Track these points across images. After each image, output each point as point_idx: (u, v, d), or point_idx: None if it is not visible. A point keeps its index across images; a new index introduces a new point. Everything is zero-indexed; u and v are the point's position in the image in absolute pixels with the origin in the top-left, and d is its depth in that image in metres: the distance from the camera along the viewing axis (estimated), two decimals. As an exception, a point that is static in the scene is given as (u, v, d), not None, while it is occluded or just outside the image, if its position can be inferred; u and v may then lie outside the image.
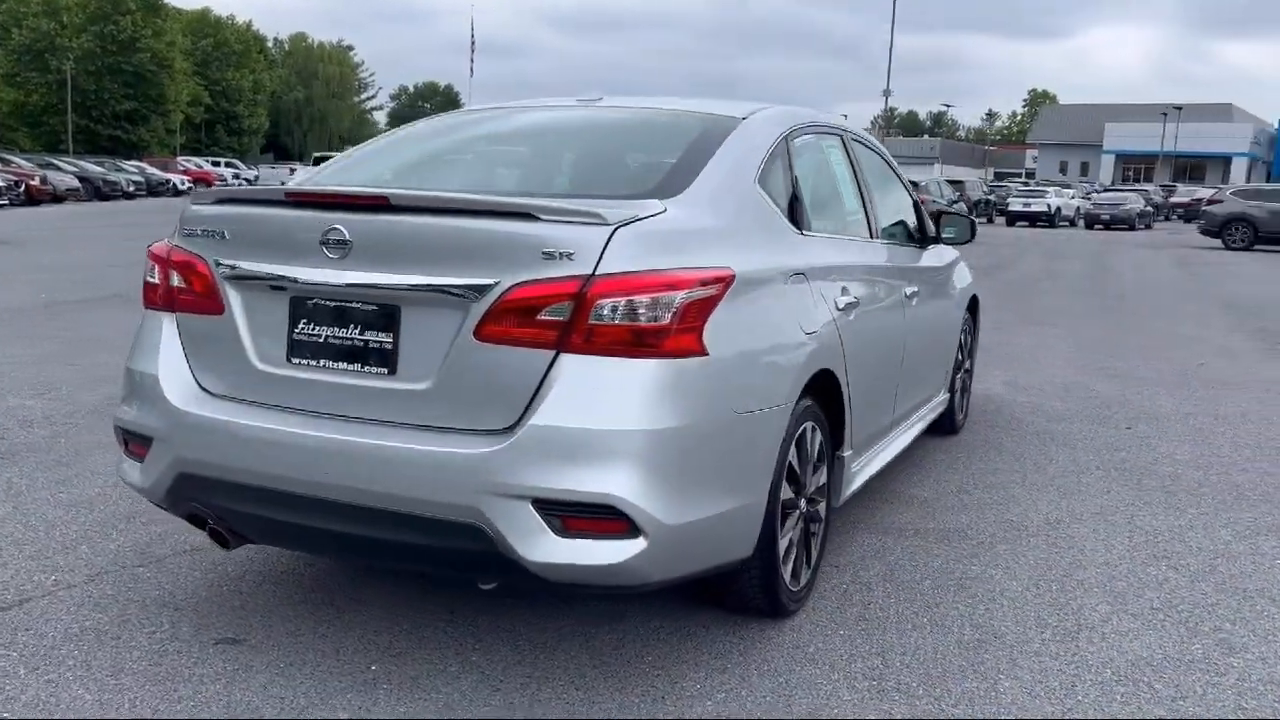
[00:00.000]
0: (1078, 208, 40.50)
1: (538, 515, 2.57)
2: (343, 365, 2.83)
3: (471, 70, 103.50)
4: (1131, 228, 36.85)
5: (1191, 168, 71.80)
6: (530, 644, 3.13)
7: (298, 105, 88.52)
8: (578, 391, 2.61)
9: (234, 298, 2.96)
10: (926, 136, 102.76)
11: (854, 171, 4.25)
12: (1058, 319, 11.44)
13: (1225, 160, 71.24)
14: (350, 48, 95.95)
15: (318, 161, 31.47)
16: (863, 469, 3.96)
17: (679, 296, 2.64)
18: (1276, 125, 76.77)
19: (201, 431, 2.91)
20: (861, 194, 4.25)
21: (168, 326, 3.10)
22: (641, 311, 2.61)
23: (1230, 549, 4.13)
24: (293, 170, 33.14)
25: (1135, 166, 73.98)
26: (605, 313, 2.60)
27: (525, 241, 2.65)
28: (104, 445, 5.10)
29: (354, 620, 3.25)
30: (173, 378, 3.02)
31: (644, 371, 2.62)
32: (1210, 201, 28.29)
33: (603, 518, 2.58)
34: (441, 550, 2.71)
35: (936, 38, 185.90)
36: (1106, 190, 45.40)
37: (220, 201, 3.10)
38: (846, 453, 3.66)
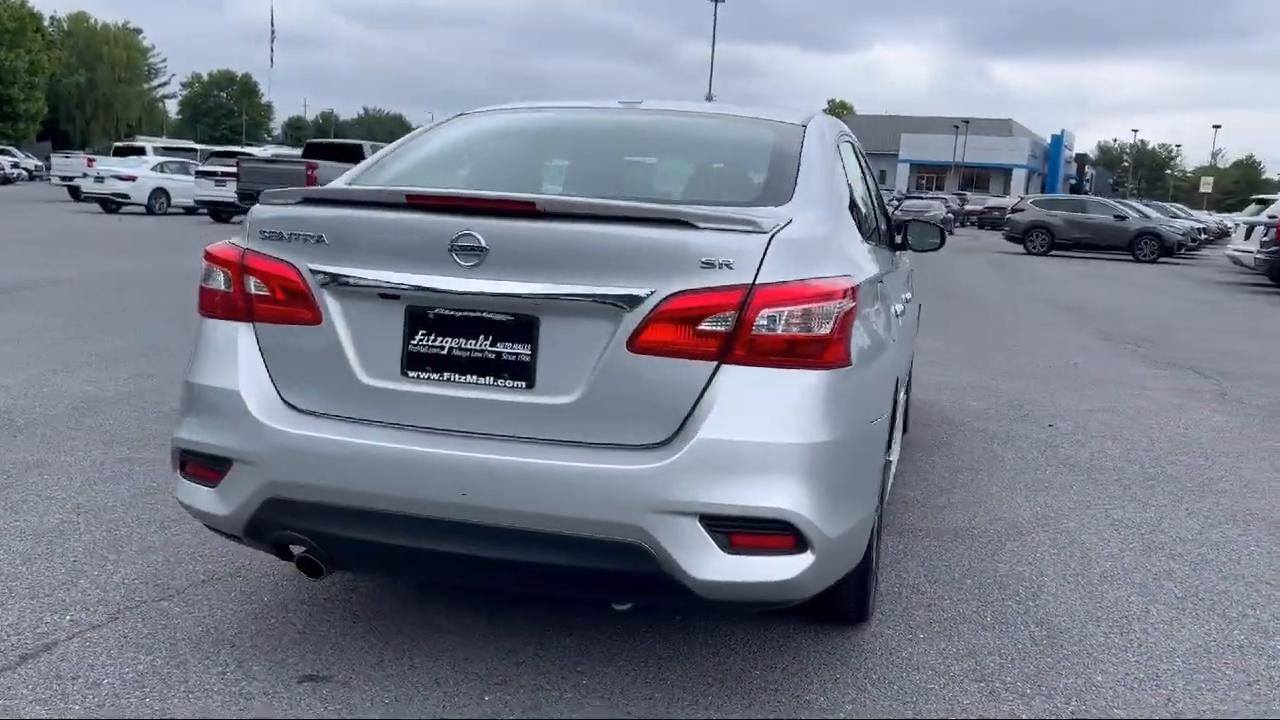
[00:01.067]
0: None
1: (705, 532, 2.49)
2: (471, 379, 2.65)
3: (271, 60, 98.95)
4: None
5: (977, 177, 76.79)
6: (631, 662, 3.03)
7: (80, 90, 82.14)
8: (743, 404, 2.54)
9: (334, 307, 2.73)
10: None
11: (865, 176, 4.32)
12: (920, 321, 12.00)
13: (1007, 171, 76.71)
14: (139, 31, 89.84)
15: (120, 152, 28.16)
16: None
17: (834, 307, 2.61)
18: (1050, 140, 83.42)
19: (299, 451, 2.67)
20: (873, 199, 4.33)
21: (244, 337, 2.82)
22: (804, 322, 2.56)
23: (1207, 537, 4.44)
24: (91, 160, 30.17)
25: (928, 175, 78.28)
26: (768, 323, 2.54)
27: (683, 250, 2.56)
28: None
29: (435, 648, 3.06)
30: (255, 393, 2.76)
31: (807, 383, 2.58)
32: (1014, 210, 31.04)
33: (772, 533, 2.52)
34: (596, 572, 2.58)
35: (733, 46, 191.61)
36: (908, 198, 47.75)
37: (309, 202, 2.84)
38: (892, 457, 3.72)
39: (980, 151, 74.92)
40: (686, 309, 2.54)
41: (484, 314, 2.64)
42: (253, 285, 2.81)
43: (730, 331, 2.53)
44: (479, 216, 2.62)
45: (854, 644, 3.23)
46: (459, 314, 2.65)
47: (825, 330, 2.57)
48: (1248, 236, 22.12)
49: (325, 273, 2.72)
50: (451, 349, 2.66)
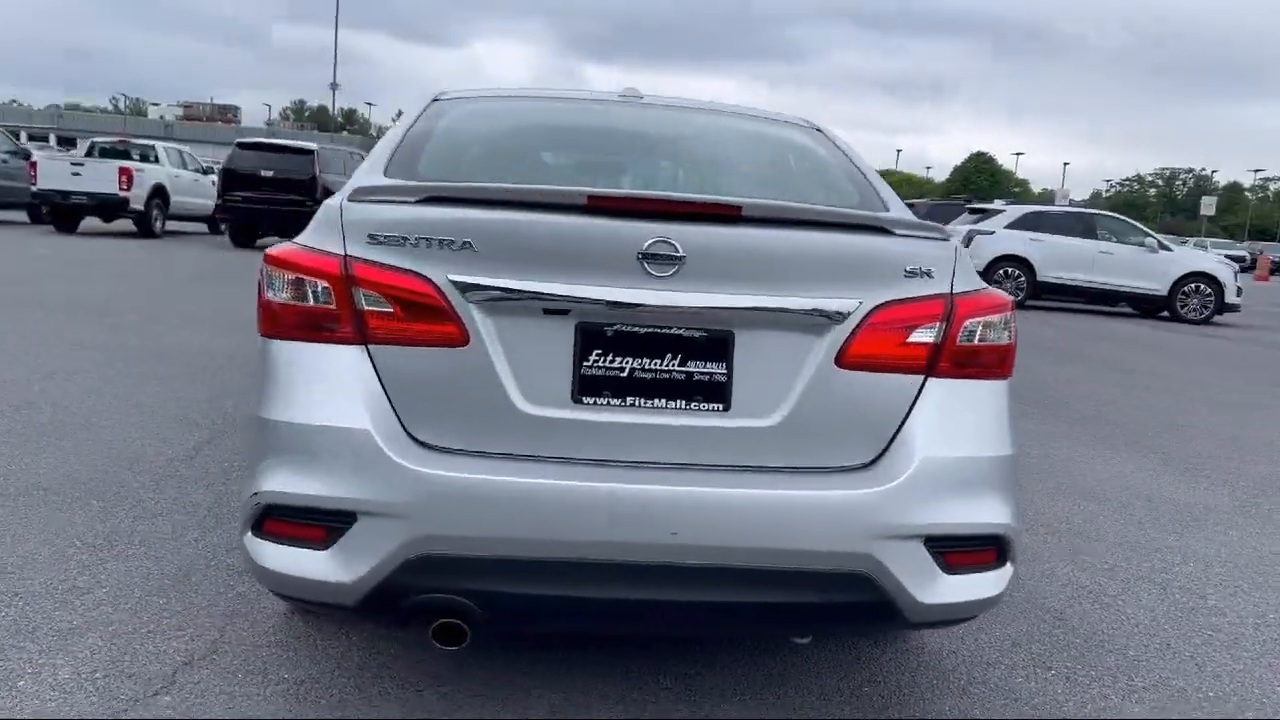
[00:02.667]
0: None
1: (928, 554, 2.36)
2: (660, 404, 2.31)
3: None
4: None
5: None
6: (753, 683, 2.83)
7: None
8: (951, 417, 2.44)
9: (486, 324, 2.26)
10: (346, 133, 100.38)
11: None
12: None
13: None
14: None
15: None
16: None
17: (1010, 316, 2.58)
18: None
19: (457, 497, 2.18)
20: None
21: (356, 363, 2.26)
22: (994, 332, 2.52)
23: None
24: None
25: None
26: (970, 334, 2.47)
27: (887, 258, 2.42)
28: None
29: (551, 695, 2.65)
30: (384, 430, 2.23)
31: (999, 393, 2.53)
32: None
33: (983, 549, 2.44)
34: (812, 606, 2.34)
35: (327, 31, 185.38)
36: None
37: (437, 201, 2.31)
38: None
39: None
40: (896, 320, 2.40)
41: (673, 330, 2.31)
42: (365, 300, 2.27)
43: (938, 343, 2.43)
44: (675, 221, 2.30)
45: (944, 648, 3.20)
46: (644, 330, 2.31)
47: (1006, 340, 2.55)
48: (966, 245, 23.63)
49: (474, 285, 2.24)
50: (634, 370, 2.31)
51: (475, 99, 3.39)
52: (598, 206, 2.29)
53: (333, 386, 2.25)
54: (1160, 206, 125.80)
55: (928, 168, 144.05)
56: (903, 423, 2.41)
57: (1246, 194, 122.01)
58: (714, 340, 2.33)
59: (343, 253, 2.29)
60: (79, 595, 3.16)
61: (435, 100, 3.30)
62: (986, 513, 2.42)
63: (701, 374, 2.33)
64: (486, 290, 2.24)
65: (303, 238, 2.43)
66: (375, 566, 2.18)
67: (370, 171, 2.74)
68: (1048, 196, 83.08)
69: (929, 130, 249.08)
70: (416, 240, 2.26)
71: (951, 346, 2.44)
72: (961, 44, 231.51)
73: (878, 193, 2.99)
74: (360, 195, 2.34)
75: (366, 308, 2.26)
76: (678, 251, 2.26)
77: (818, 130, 3.44)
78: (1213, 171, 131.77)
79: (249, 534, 2.32)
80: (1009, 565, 2.49)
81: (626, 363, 2.30)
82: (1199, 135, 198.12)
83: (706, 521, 2.23)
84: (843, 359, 2.37)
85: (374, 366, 2.26)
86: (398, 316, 2.25)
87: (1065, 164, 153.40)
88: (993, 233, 17.85)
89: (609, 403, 2.30)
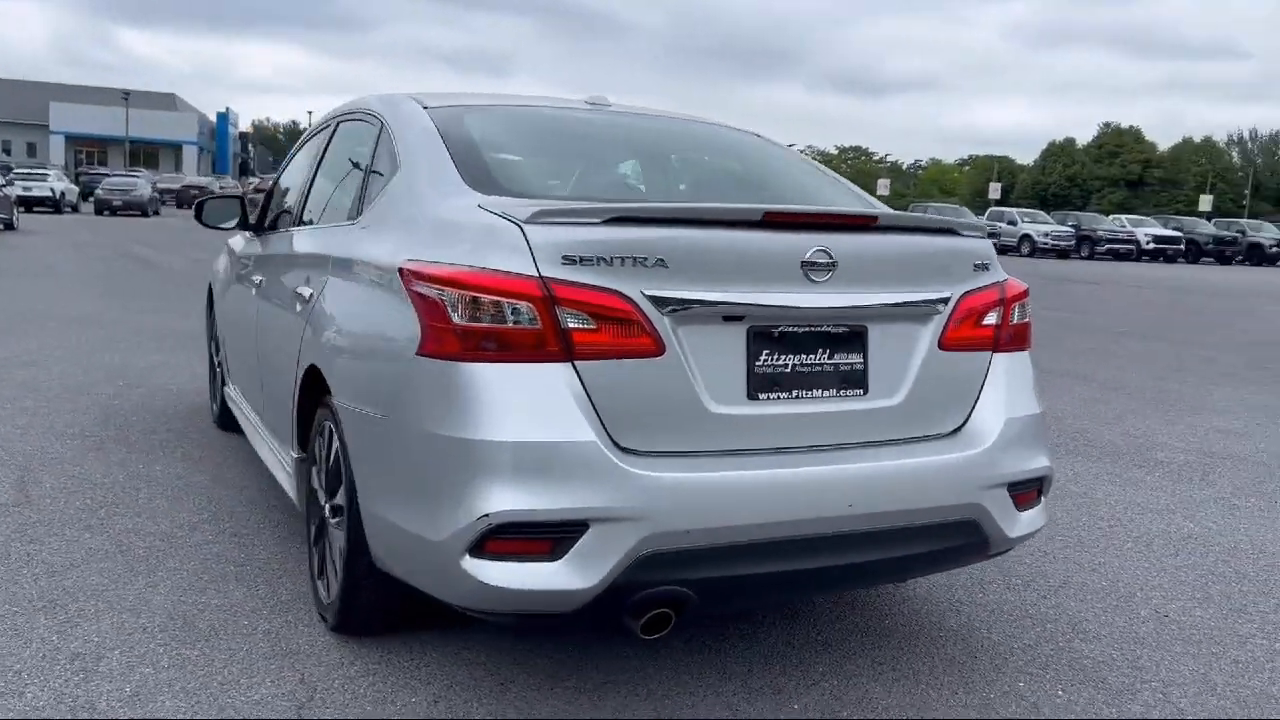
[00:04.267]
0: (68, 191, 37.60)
1: (1009, 497, 2.85)
2: (816, 393, 2.63)
3: None
4: (144, 214, 36.24)
5: (146, 153, 73.17)
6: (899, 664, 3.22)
7: None
8: (1010, 385, 2.92)
9: (677, 334, 2.47)
10: None
11: None
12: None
13: (177, 147, 74.79)
14: None
15: None
16: None
17: (1028, 297, 3.10)
18: (216, 118, 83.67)
19: (678, 496, 2.40)
20: None
21: (566, 379, 2.39)
22: (1025, 311, 3.03)
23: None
24: None
25: (89, 149, 72.38)
26: (1015, 314, 2.96)
27: (962, 255, 2.85)
28: None
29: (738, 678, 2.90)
30: (604, 440, 2.39)
31: (1029, 362, 3.04)
32: (257, 190, 30.01)
33: (1036, 489, 2.95)
34: (938, 551, 2.77)
35: None
36: (114, 175, 44.15)
37: (624, 222, 2.47)
38: None
39: (147, 126, 71.41)
40: (975, 307, 2.84)
41: (823, 328, 2.64)
42: (570, 319, 2.39)
43: (998, 324, 2.90)
44: (828, 231, 2.61)
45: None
46: (802, 330, 2.61)
47: (1029, 317, 3.07)
48: None
49: (668, 298, 2.45)
50: (795, 366, 2.61)
51: (481, 108, 3.47)
52: (771, 221, 2.55)
53: (549, 403, 2.37)
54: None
55: None
56: (979, 392, 2.87)
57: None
58: (854, 334, 2.68)
59: (538, 274, 2.39)
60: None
61: (426, 109, 3.30)
62: (1039, 459, 2.94)
63: (845, 365, 2.67)
64: (679, 303, 2.46)
65: (462, 258, 2.47)
66: (610, 570, 2.35)
67: (446, 188, 2.81)
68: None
69: None
70: (611, 259, 2.42)
71: (1006, 325, 2.93)
72: (519, 21, 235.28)
73: (853, 191, 3.44)
74: (542, 218, 2.43)
75: (571, 326, 2.39)
76: (832, 258, 2.58)
77: (764, 139, 3.85)
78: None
79: (466, 557, 2.37)
80: (1044, 499, 3.04)
81: (789, 360, 2.60)
82: (740, 114, 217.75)
83: (870, 491, 2.59)
84: (943, 343, 2.79)
85: (581, 381, 2.40)
86: (600, 332, 2.41)
87: None
88: None
89: (777, 396, 2.59)
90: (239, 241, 5.18)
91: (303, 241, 3.77)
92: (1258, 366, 10.37)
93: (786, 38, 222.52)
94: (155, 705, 2.65)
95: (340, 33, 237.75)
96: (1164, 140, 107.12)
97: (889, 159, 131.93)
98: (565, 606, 2.39)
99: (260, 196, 5.02)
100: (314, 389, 3.22)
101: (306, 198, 4.07)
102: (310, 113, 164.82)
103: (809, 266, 2.57)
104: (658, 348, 2.45)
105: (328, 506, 3.09)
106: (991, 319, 2.89)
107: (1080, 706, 2.86)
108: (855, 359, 2.69)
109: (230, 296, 4.94)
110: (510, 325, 2.39)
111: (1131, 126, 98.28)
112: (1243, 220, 48.47)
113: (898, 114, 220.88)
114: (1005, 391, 2.91)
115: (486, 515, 2.33)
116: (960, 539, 2.78)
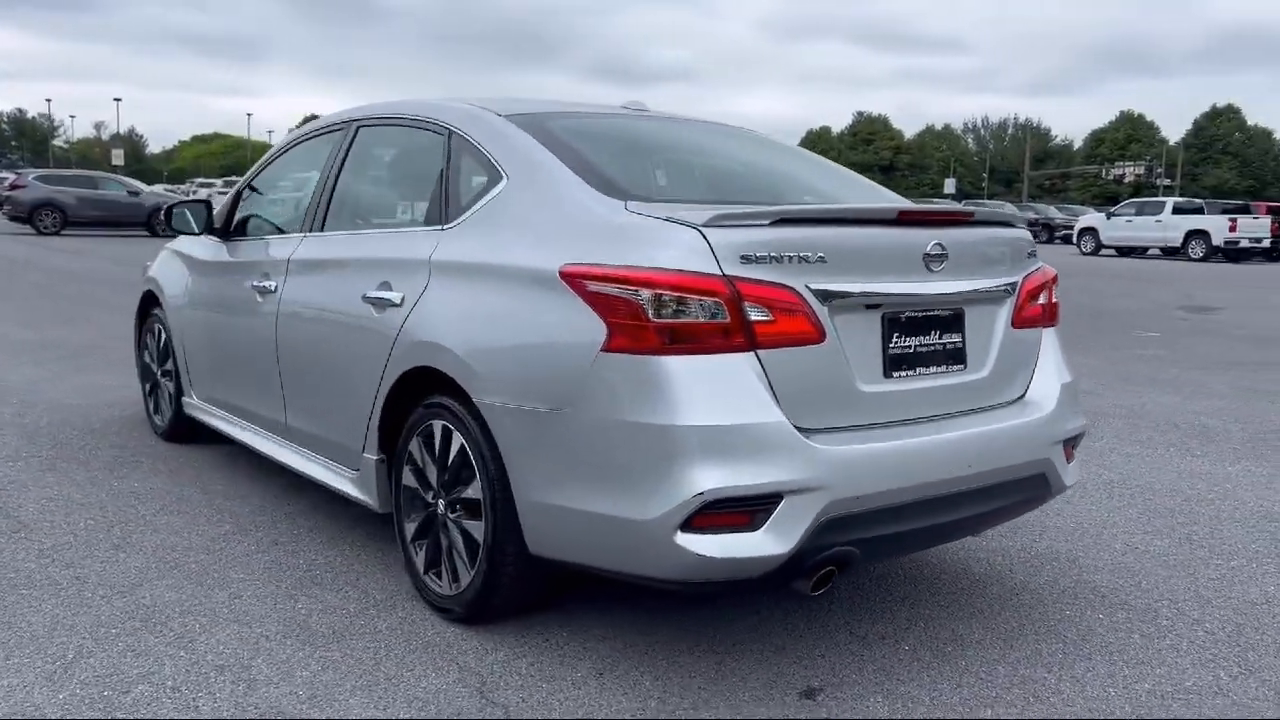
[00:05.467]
0: None
1: (1064, 452, 3.31)
2: (932, 370, 3.00)
3: None
4: None
5: None
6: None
7: None
8: (1055, 356, 3.40)
9: (833, 322, 2.77)
10: None
11: None
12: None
13: None
14: None
15: None
16: None
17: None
18: None
19: (848, 467, 2.71)
20: None
21: (752, 366, 2.65)
22: (1057, 292, 3.51)
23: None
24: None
25: None
26: (1053, 294, 3.44)
27: (1019, 244, 3.30)
28: None
29: (918, 661, 3.17)
30: (786, 420, 2.66)
31: (1056, 335, 3.52)
32: (13, 187, 27.67)
33: (1075, 444, 3.44)
34: (1018, 502, 3.19)
35: None
36: None
37: (788, 223, 2.75)
38: None
39: None
40: (1032, 289, 3.30)
41: (935, 312, 3.01)
42: (754, 313, 2.65)
43: (1046, 303, 3.37)
44: (939, 227, 2.98)
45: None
46: (920, 314, 2.97)
47: (1056, 297, 3.56)
48: None
49: (830, 291, 2.76)
50: (915, 347, 2.97)
51: (557, 115, 3.63)
52: (904, 219, 2.90)
53: (741, 389, 2.63)
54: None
55: (269, 131, 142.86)
56: (1036, 363, 3.33)
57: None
58: (955, 317, 3.07)
59: (721, 272, 2.64)
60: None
61: (503, 116, 3.46)
62: (1080, 419, 3.43)
63: (950, 343, 3.06)
64: (836, 294, 2.77)
65: (641, 260, 2.68)
66: (800, 536, 2.64)
67: (576, 194, 3.01)
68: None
69: (254, 92, 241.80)
70: (780, 257, 2.70)
71: (1050, 304, 3.40)
72: (271, 3, 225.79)
73: (874, 186, 3.86)
74: (719, 221, 2.68)
75: (753, 319, 2.65)
76: (944, 250, 2.96)
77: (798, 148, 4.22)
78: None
79: (679, 534, 2.59)
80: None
81: (912, 342, 2.96)
82: None
83: (981, 453, 2.99)
84: (1014, 321, 3.23)
85: (763, 368, 2.67)
86: (776, 323, 2.69)
87: None
88: None
89: (905, 374, 2.95)
90: (196, 246, 5.05)
91: (355, 246, 3.80)
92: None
93: (553, 25, 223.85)
94: (340, 704, 2.73)
95: (73, 13, 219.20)
96: (909, 128, 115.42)
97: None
98: (760, 571, 2.66)
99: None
100: (411, 391, 3.32)
101: (327, 203, 4.07)
102: (49, 100, 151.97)
103: (928, 258, 2.95)
104: (820, 335, 2.75)
105: (443, 503, 3.21)
106: (1042, 299, 3.36)
107: (1123, 624, 3.38)
108: (956, 338, 3.08)
109: (206, 303, 4.82)
110: (702, 320, 2.62)
111: (880, 115, 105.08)
112: (985, 200, 52.94)
113: (662, 103, 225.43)
114: (1053, 361, 3.39)
115: (701, 493, 2.56)
116: (1033, 490, 3.23)
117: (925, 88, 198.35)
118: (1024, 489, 3.19)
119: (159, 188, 26.75)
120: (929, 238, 2.97)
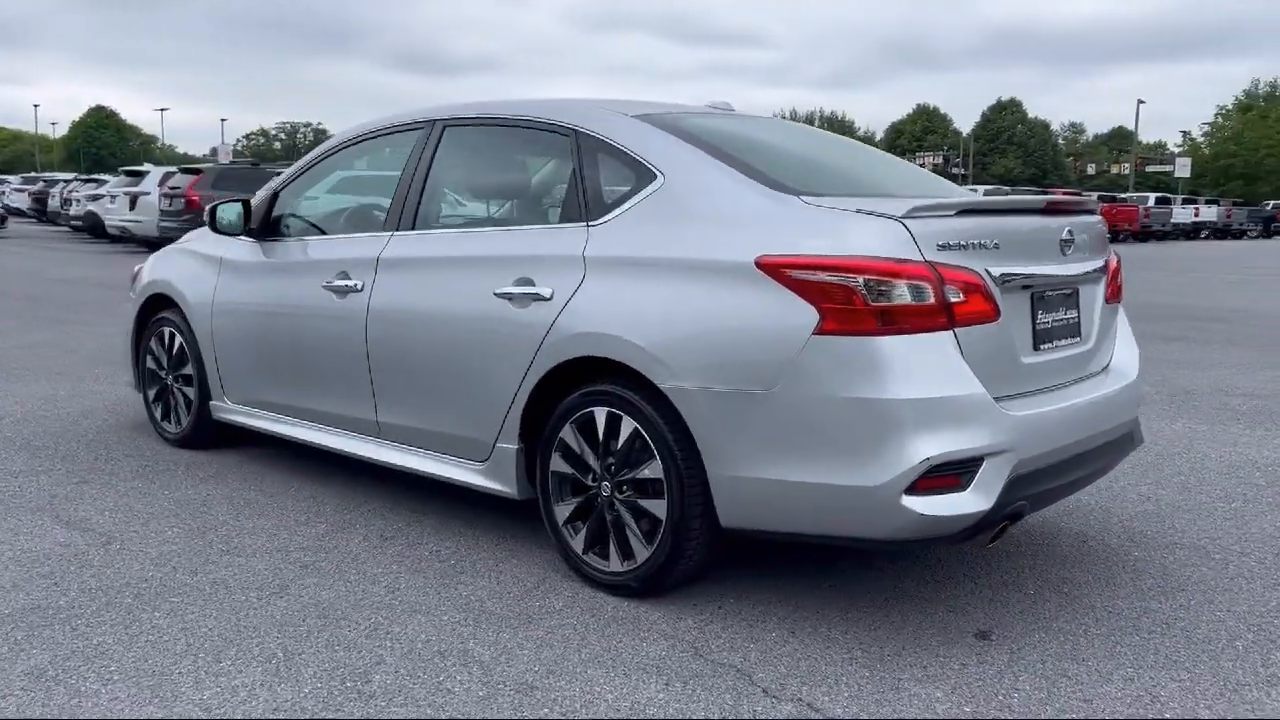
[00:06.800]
0: None
1: (1138, 412, 3.78)
2: (1063, 342, 3.39)
3: None
4: None
5: None
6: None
7: None
8: (1127, 328, 3.88)
9: (1003, 302, 3.10)
10: None
11: None
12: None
13: None
14: None
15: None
16: None
17: None
18: None
19: (1028, 430, 3.06)
20: None
21: (952, 343, 2.95)
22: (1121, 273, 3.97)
23: None
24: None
25: None
26: (1121, 275, 3.89)
27: (1101, 229, 3.73)
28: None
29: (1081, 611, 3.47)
30: (985, 391, 2.98)
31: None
32: None
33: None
34: (1112, 460, 3.60)
35: None
36: None
37: (968, 213, 3.08)
38: None
39: None
40: (1113, 268, 3.74)
41: (1064, 291, 3.40)
42: (953, 294, 2.95)
43: (1119, 283, 3.82)
44: (1070, 215, 3.37)
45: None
46: (1055, 293, 3.35)
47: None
48: (132, 207, 22.91)
49: (1005, 274, 3.11)
50: (1052, 323, 3.35)
51: (686, 115, 3.86)
52: (1050, 209, 3.28)
53: (947, 364, 2.93)
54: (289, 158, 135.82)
55: (53, 123, 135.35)
56: (1115, 335, 3.78)
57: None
58: (1074, 295, 3.47)
59: (925, 259, 2.93)
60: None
61: (634, 118, 3.66)
62: (1143, 385, 3.92)
63: (1071, 319, 3.46)
64: (1008, 276, 3.12)
65: (846, 249, 2.93)
66: (997, 494, 2.96)
67: (747, 189, 3.25)
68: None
69: (26, 81, 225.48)
70: (966, 244, 3.02)
71: (1117, 282, 3.85)
72: None
73: (939, 178, 4.26)
74: (916, 213, 2.97)
75: (952, 300, 2.96)
76: (1073, 236, 3.35)
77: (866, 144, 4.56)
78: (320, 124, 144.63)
79: (904, 497, 2.87)
80: None
81: (1049, 317, 3.34)
82: (309, 92, 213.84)
83: (1103, 414, 3.41)
84: (1106, 298, 3.66)
85: (959, 344, 2.98)
86: (967, 304, 3.00)
87: (223, 120, 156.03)
88: None
89: (1047, 346, 3.33)
90: (221, 246, 4.96)
91: (471, 244, 3.87)
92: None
93: (352, 12, 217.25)
94: (583, 675, 2.88)
95: None
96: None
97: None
98: (962, 527, 2.97)
99: None
100: (557, 381, 3.49)
101: (416, 202, 4.11)
102: None
103: (1063, 243, 3.34)
104: (997, 314, 3.09)
105: (608, 484, 3.38)
106: (1119, 278, 3.81)
107: (1187, 561, 3.87)
108: (1074, 314, 3.48)
109: (252, 305, 4.73)
110: (912, 303, 2.91)
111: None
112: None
113: (469, 94, 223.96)
114: (1126, 334, 3.86)
115: (927, 458, 2.85)
116: (1126, 446, 3.67)
117: (730, 80, 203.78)
118: (1121, 446, 3.63)
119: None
120: (1064, 224, 3.36)
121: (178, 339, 5.23)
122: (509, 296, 3.61)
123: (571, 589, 3.49)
